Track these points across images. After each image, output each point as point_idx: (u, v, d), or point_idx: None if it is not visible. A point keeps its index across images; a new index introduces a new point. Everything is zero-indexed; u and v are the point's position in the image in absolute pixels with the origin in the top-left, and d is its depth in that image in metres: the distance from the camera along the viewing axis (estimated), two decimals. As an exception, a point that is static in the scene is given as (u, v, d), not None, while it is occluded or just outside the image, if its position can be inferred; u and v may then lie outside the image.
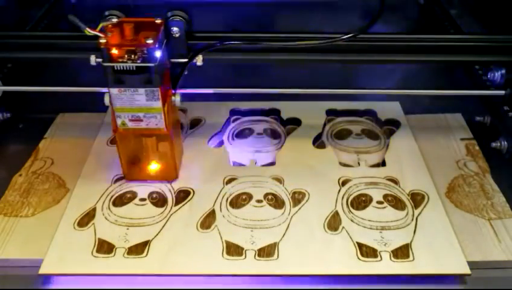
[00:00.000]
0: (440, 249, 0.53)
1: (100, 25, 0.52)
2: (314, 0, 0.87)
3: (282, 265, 0.52)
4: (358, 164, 0.66)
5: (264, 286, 0.51)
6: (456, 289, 0.51)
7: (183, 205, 0.59)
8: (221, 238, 0.55)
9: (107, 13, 0.58)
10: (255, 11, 0.87)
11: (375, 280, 0.51)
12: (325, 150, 0.68)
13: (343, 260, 0.52)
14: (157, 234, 0.55)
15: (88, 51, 0.56)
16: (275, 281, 0.51)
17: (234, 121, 0.72)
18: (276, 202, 0.59)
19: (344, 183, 0.62)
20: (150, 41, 0.51)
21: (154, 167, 0.61)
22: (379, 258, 0.52)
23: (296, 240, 0.55)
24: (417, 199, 0.60)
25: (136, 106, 0.54)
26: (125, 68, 0.52)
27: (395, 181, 0.62)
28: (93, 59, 0.55)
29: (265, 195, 0.60)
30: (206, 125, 0.72)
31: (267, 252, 0.53)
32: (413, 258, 0.52)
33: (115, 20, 0.54)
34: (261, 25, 0.85)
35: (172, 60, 0.60)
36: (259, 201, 0.59)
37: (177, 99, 0.57)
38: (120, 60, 0.52)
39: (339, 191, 0.61)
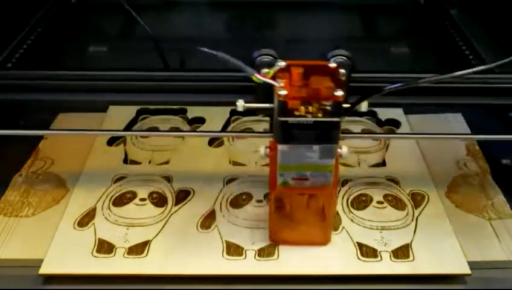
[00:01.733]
0: (440, 249, 0.53)
1: (271, 72, 0.45)
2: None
3: (282, 265, 0.52)
4: (359, 164, 0.66)
5: (264, 286, 0.51)
6: (456, 289, 0.51)
7: (183, 205, 0.59)
8: (221, 238, 0.55)
9: (256, 54, 0.50)
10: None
11: (375, 280, 0.51)
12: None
13: (343, 260, 0.52)
14: (157, 234, 0.55)
15: (229, 92, 0.51)
16: (275, 281, 0.51)
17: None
18: None
19: (344, 183, 0.62)
20: (339, 93, 0.43)
21: (307, 228, 0.53)
22: (379, 258, 0.52)
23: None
24: (417, 199, 0.60)
25: (306, 163, 0.47)
26: (303, 123, 0.44)
27: (395, 181, 0.62)
28: (241, 104, 0.48)
29: (266, 195, 0.60)
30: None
31: (267, 252, 0.53)
32: (413, 258, 0.52)
33: (282, 64, 0.46)
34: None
35: None
36: (259, 201, 0.59)
37: (344, 151, 0.48)
38: (297, 113, 0.44)
39: (339, 191, 0.61)
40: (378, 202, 0.59)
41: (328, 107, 0.44)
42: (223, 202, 0.59)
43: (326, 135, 0.45)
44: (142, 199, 0.60)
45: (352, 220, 0.57)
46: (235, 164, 0.66)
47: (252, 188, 0.61)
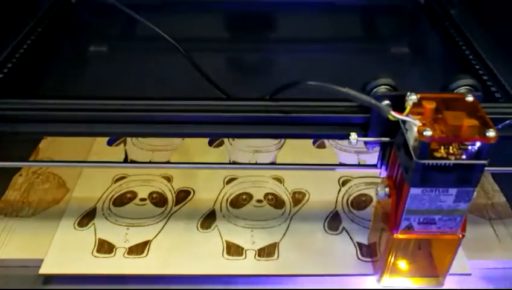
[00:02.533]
0: (440, 249, 0.53)
1: (408, 108, 0.41)
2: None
3: (282, 265, 0.52)
4: (359, 163, 0.66)
5: (264, 286, 0.51)
6: (456, 288, 0.51)
7: (183, 205, 0.59)
8: (221, 238, 0.55)
9: (373, 84, 0.46)
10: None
11: (375, 280, 0.51)
12: (325, 150, 0.68)
13: (343, 260, 0.52)
14: (157, 234, 0.55)
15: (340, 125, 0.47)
16: (275, 281, 0.51)
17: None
18: (276, 202, 0.59)
19: (344, 183, 0.62)
20: (491, 134, 0.38)
21: (422, 271, 0.50)
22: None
23: (296, 240, 0.55)
24: (417, 199, 0.60)
25: (437, 208, 0.42)
26: (440, 165, 0.39)
27: (395, 181, 0.62)
28: (354, 137, 0.45)
29: (266, 195, 0.60)
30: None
31: (267, 252, 0.53)
32: (414, 258, 0.52)
33: (413, 97, 0.41)
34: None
35: None
36: (259, 201, 0.59)
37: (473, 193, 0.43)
38: (437, 154, 0.39)
39: (339, 191, 0.61)
40: (378, 202, 0.59)
41: (470, 147, 0.39)
42: (223, 202, 0.59)
43: (467, 177, 0.40)
44: (142, 199, 0.60)
45: (352, 220, 0.57)
46: (235, 164, 0.66)
47: (252, 188, 0.61)
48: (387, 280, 0.50)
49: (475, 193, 0.42)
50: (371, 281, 0.51)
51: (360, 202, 0.59)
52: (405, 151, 0.41)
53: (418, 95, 0.41)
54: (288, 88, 0.45)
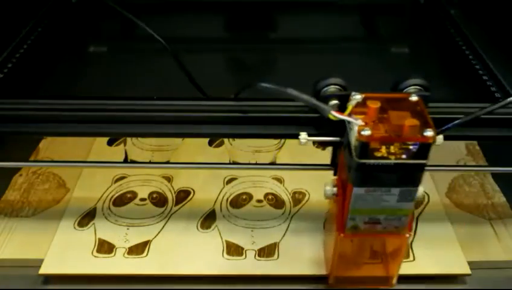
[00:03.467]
0: (440, 249, 0.53)
1: (350, 108, 0.40)
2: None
3: (282, 265, 0.52)
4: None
5: (264, 286, 0.51)
6: (456, 289, 0.51)
7: (183, 205, 0.59)
8: (221, 238, 0.55)
9: (323, 84, 0.46)
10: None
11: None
12: (325, 150, 0.68)
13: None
14: (157, 234, 0.55)
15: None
16: (274, 281, 0.51)
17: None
18: (276, 202, 0.59)
19: (344, 183, 0.62)
20: (429, 133, 0.38)
21: (371, 270, 0.50)
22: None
23: (296, 240, 0.55)
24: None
25: (381, 207, 0.42)
26: (382, 165, 0.39)
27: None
28: (303, 137, 0.45)
29: (266, 195, 0.60)
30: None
31: (267, 252, 0.53)
32: (414, 258, 0.52)
33: (357, 97, 0.41)
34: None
35: None
36: (259, 201, 0.59)
37: (421, 190, 0.43)
38: (377, 154, 0.39)
39: (339, 191, 0.61)
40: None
41: (411, 147, 0.39)
42: (223, 202, 0.59)
43: (409, 177, 0.40)
44: (142, 199, 0.60)
45: (352, 220, 0.57)
46: (235, 164, 0.66)
47: (252, 188, 0.61)
48: (338, 280, 0.49)
49: (421, 192, 0.42)
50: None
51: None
52: (348, 151, 0.41)
53: (363, 95, 0.41)
54: (244, 90, 0.46)
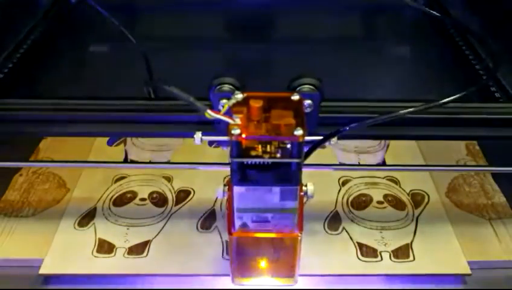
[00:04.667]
0: (440, 249, 0.53)
1: (226, 106, 0.40)
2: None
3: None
4: (359, 163, 0.66)
5: (264, 286, 0.51)
6: (456, 289, 0.51)
7: (183, 205, 0.59)
8: (221, 238, 0.55)
9: (216, 81, 0.45)
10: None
11: (375, 280, 0.51)
12: (325, 150, 0.68)
13: (343, 260, 0.52)
14: (157, 234, 0.55)
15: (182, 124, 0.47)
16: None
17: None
18: None
19: (344, 183, 0.62)
20: (299, 132, 0.38)
21: (272, 270, 0.49)
22: (379, 258, 0.52)
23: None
24: (417, 199, 0.60)
25: (265, 206, 0.42)
26: (259, 164, 0.40)
27: (395, 181, 0.62)
28: (198, 136, 0.43)
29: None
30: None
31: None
32: (414, 258, 0.52)
33: (239, 96, 0.41)
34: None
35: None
36: None
37: (310, 189, 0.45)
38: (253, 152, 0.39)
39: (339, 191, 0.61)
40: (378, 202, 0.59)
41: (288, 146, 0.39)
42: (223, 202, 0.59)
43: (287, 176, 0.41)
44: (142, 199, 0.60)
45: (352, 220, 0.57)
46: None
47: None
48: (240, 280, 0.49)
49: (311, 190, 0.44)
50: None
51: (360, 202, 0.59)
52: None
53: (246, 94, 0.41)
54: (152, 91, 0.47)
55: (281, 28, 0.82)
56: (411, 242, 0.54)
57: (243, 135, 0.38)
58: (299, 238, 0.45)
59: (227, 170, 0.63)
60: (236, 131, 0.38)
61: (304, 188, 0.44)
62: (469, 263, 0.52)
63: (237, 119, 0.39)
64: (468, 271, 0.51)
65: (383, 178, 0.63)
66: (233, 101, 0.40)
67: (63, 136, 0.61)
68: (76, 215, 0.57)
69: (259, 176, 0.40)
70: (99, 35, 0.80)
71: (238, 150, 0.39)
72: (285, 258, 0.47)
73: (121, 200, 0.59)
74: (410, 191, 0.61)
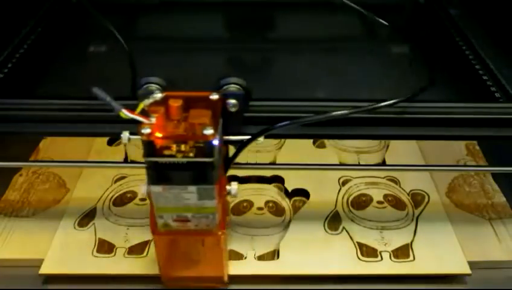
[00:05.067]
0: (440, 249, 0.53)
1: (141, 106, 0.40)
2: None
3: (282, 265, 0.52)
4: (359, 163, 0.66)
5: (264, 286, 0.51)
6: (456, 289, 0.51)
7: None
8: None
9: (143, 81, 0.46)
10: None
11: (375, 280, 0.51)
12: (325, 150, 0.68)
13: (343, 260, 0.52)
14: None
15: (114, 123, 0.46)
16: (275, 281, 0.51)
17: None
18: (276, 209, 0.59)
19: (344, 183, 0.62)
20: (208, 132, 0.39)
21: (200, 269, 0.50)
22: (379, 258, 0.52)
23: (296, 240, 0.54)
24: (417, 199, 0.60)
25: (184, 205, 0.43)
26: (175, 163, 0.40)
27: (395, 181, 0.62)
28: (126, 136, 0.43)
29: (266, 203, 0.60)
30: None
31: (266, 258, 0.53)
32: (414, 258, 0.52)
33: (158, 95, 0.41)
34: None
35: (226, 138, 0.46)
36: (260, 209, 0.59)
37: (233, 188, 0.45)
38: (166, 152, 0.39)
39: (339, 191, 0.61)
40: (378, 202, 0.59)
41: (203, 145, 0.39)
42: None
43: (201, 175, 0.41)
44: (142, 199, 0.60)
45: (352, 220, 0.57)
46: (235, 164, 0.66)
47: (252, 195, 0.61)
48: (169, 279, 0.50)
49: (234, 189, 0.44)
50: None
51: (360, 202, 0.59)
52: None
53: (165, 93, 0.41)
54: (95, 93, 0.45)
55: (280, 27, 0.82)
56: (411, 242, 0.54)
57: (158, 135, 0.39)
58: (222, 237, 0.45)
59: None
60: (147, 130, 0.38)
61: (227, 187, 0.44)
62: (469, 263, 0.52)
63: (153, 119, 0.39)
64: (468, 271, 0.51)
65: (383, 178, 0.63)
66: (150, 100, 0.40)
67: (63, 136, 0.61)
68: (76, 215, 0.57)
69: (175, 175, 0.41)
70: (99, 35, 0.80)
71: (150, 149, 0.39)
72: (212, 257, 0.47)
73: (121, 200, 0.59)
74: (410, 191, 0.61)
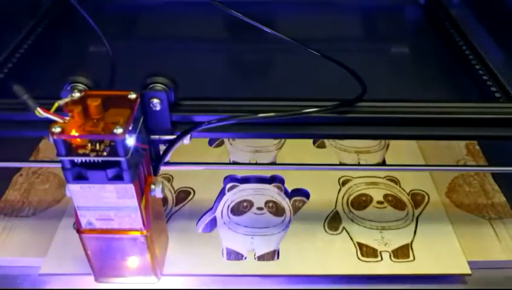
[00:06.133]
0: (440, 249, 0.53)
1: (55, 105, 0.40)
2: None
3: (282, 265, 0.52)
4: (359, 163, 0.66)
5: (264, 286, 0.51)
6: (456, 289, 0.51)
7: (183, 205, 0.59)
8: (222, 244, 0.54)
9: (71, 79, 0.46)
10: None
11: (375, 280, 0.51)
12: (325, 150, 0.68)
13: (343, 260, 0.52)
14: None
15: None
16: (275, 281, 0.51)
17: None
18: (276, 209, 0.59)
19: (344, 183, 0.62)
20: (118, 130, 0.38)
21: (130, 268, 0.49)
22: (379, 258, 0.52)
23: (296, 240, 0.55)
24: (417, 199, 0.60)
25: (104, 203, 0.43)
26: (87, 162, 0.40)
27: (395, 181, 0.62)
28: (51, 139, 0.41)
29: (266, 203, 0.60)
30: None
31: (266, 258, 0.53)
32: (414, 258, 0.52)
33: (76, 94, 0.41)
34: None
35: (153, 137, 0.47)
36: (260, 209, 0.59)
37: (157, 189, 0.45)
38: (81, 151, 0.39)
39: (339, 191, 0.61)
40: (378, 202, 0.59)
41: (114, 146, 0.39)
42: (224, 209, 0.59)
43: (118, 174, 0.40)
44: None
45: (352, 220, 0.57)
46: (235, 163, 0.66)
47: (253, 195, 0.61)
48: (102, 278, 0.50)
49: (158, 190, 0.44)
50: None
51: (360, 202, 0.59)
52: None
53: (84, 92, 0.41)
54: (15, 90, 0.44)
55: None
56: (411, 242, 0.54)
57: (75, 133, 0.38)
58: (147, 235, 0.45)
59: (227, 169, 0.64)
60: (57, 129, 0.38)
61: (152, 186, 0.45)
62: (469, 263, 0.52)
63: (67, 118, 0.39)
64: (468, 271, 0.51)
65: (383, 178, 0.63)
66: (66, 100, 0.40)
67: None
68: (76, 216, 0.57)
69: (91, 174, 0.41)
70: (99, 36, 0.80)
71: (62, 148, 0.39)
72: (141, 256, 0.47)
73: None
74: (410, 191, 0.61)
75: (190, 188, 0.61)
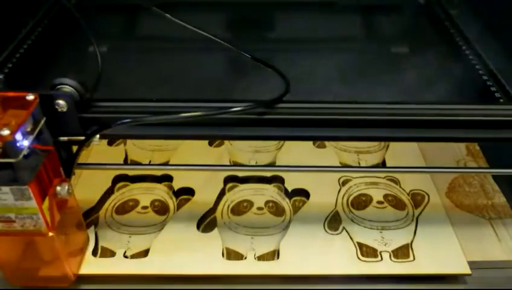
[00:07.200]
0: (440, 249, 0.53)
1: None
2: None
3: (282, 265, 0.52)
4: (359, 163, 0.66)
5: (264, 286, 0.51)
6: (456, 289, 0.51)
7: (183, 205, 0.59)
8: (222, 244, 0.54)
9: (57, 81, 0.46)
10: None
11: (375, 280, 0.51)
12: (325, 150, 0.68)
13: (343, 260, 0.52)
14: (157, 235, 0.55)
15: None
16: (274, 281, 0.51)
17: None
18: (276, 209, 0.59)
19: (344, 183, 0.62)
20: (5, 132, 0.38)
21: (42, 270, 0.49)
22: (379, 258, 0.52)
23: (296, 240, 0.55)
24: (417, 199, 0.60)
25: (3, 205, 0.42)
26: None
27: (395, 181, 0.62)
28: None
29: (266, 203, 0.60)
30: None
31: (266, 258, 0.53)
32: (414, 258, 0.52)
33: None
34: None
35: (62, 139, 0.46)
36: (260, 209, 0.59)
37: (64, 190, 0.45)
38: None
39: (339, 191, 0.61)
40: (378, 202, 0.59)
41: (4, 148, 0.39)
42: (224, 209, 0.59)
43: (12, 176, 0.40)
44: (144, 207, 0.59)
45: (352, 220, 0.57)
46: (236, 165, 0.66)
47: (252, 195, 0.61)
48: (15, 281, 0.49)
49: (65, 190, 0.44)
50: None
51: (360, 202, 0.59)
52: None
53: None
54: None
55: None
56: (411, 242, 0.54)
57: None
58: (53, 237, 0.44)
59: (227, 169, 0.64)
60: None
61: (57, 188, 0.44)
62: (469, 263, 0.52)
63: None
64: (468, 271, 0.51)
65: (383, 178, 0.63)
66: None
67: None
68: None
69: None
70: (99, 36, 0.80)
71: None
72: (50, 257, 0.47)
73: (123, 208, 0.59)
74: (410, 191, 0.61)
75: (190, 188, 0.61)
